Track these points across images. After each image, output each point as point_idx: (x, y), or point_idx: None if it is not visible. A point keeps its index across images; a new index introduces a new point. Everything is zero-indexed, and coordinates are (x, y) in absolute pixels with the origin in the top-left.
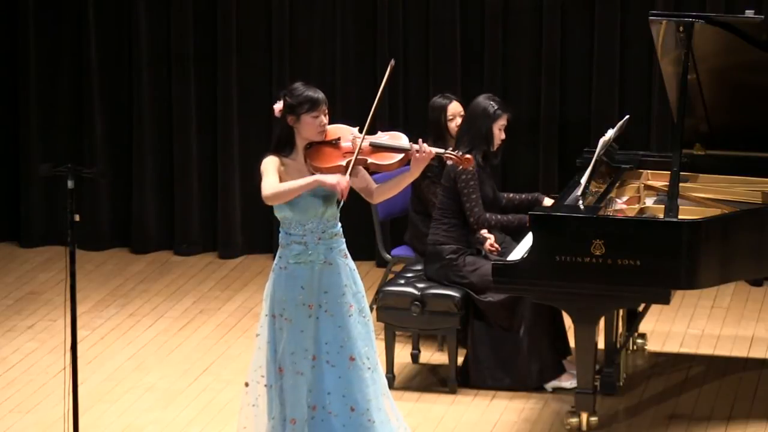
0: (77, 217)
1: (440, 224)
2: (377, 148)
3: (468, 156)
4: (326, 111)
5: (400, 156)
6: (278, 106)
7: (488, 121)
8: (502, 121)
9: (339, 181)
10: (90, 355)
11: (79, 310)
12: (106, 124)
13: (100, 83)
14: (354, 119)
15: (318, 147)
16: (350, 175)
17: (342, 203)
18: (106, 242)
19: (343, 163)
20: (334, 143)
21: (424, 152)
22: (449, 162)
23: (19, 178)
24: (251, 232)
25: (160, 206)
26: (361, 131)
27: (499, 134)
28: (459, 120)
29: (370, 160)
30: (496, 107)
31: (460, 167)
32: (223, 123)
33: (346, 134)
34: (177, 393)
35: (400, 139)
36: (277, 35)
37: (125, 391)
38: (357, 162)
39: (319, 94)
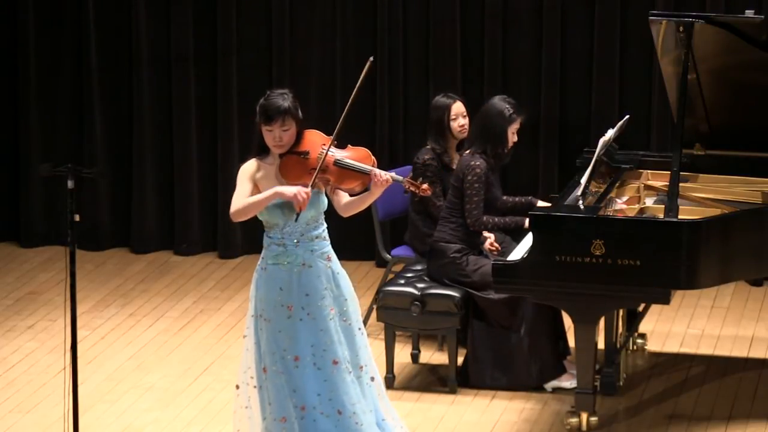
0: (77, 217)
1: (448, 222)
2: (342, 168)
3: (425, 186)
4: (287, 127)
5: (362, 180)
6: None
7: (503, 123)
8: (515, 125)
9: (298, 192)
10: (90, 355)
11: (79, 310)
12: (106, 124)
13: (100, 83)
14: (353, 119)
15: (288, 158)
16: (312, 187)
17: (299, 216)
18: (106, 242)
19: (309, 181)
20: (303, 157)
21: (381, 178)
22: (408, 191)
23: (19, 178)
24: (251, 232)
25: (160, 206)
26: (333, 140)
27: (512, 137)
28: (461, 120)
29: (332, 182)
30: (511, 111)
31: (418, 196)
32: (223, 123)
33: (317, 146)
34: (177, 393)
35: (366, 158)
36: (277, 35)
37: (125, 391)
38: (321, 180)
39: (281, 107)
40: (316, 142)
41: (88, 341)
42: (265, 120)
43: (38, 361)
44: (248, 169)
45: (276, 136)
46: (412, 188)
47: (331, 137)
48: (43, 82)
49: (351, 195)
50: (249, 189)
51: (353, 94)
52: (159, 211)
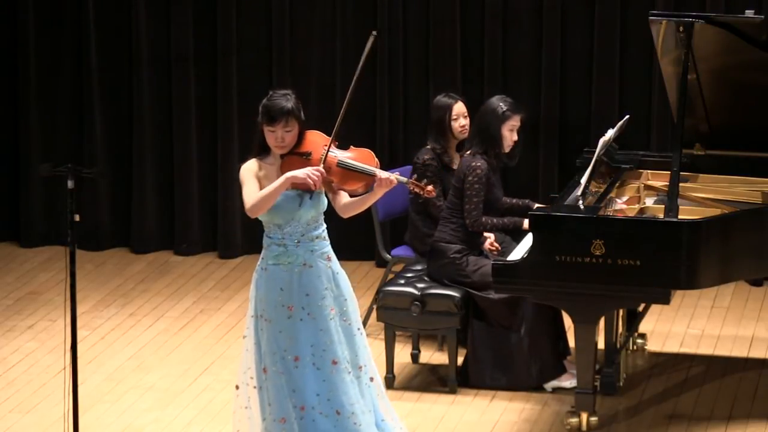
0: (77, 217)
1: (449, 223)
2: (345, 169)
3: (430, 188)
4: (289, 128)
5: (365, 181)
6: None
7: (497, 122)
8: (511, 123)
9: (309, 173)
10: (90, 355)
11: (79, 310)
12: (106, 124)
13: (100, 83)
14: (353, 119)
15: (290, 159)
16: (322, 163)
17: (312, 195)
18: (106, 242)
19: None
20: (306, 158)
21: (386, 180)
22: (412, 192)
23: (19, 178)
24: (251, 232)
25: (160, 206)
26: (334, 141)
27: (509, 135)
28: (462, 120)
29: (335, 183)
30: (504, 108)
31: (423, 197)
32: (223, 123)
33: (319, 147)
34: (177, 393)
35: (370, 159)
36: (277, 35)
37: (125, 391)
38: (324, 181)
39: (284, 108)
40: (318, 142)
41: (88, 341)
42: (267, 120)
43: (38, 361)
44: (251, 168)
45: (278, 136)
46: (416, 189)
47: (332, 138)
48: (43, 82)
49: (351, 196)
50: (257, 185)
51: (357, 71)
52: (159, 211)
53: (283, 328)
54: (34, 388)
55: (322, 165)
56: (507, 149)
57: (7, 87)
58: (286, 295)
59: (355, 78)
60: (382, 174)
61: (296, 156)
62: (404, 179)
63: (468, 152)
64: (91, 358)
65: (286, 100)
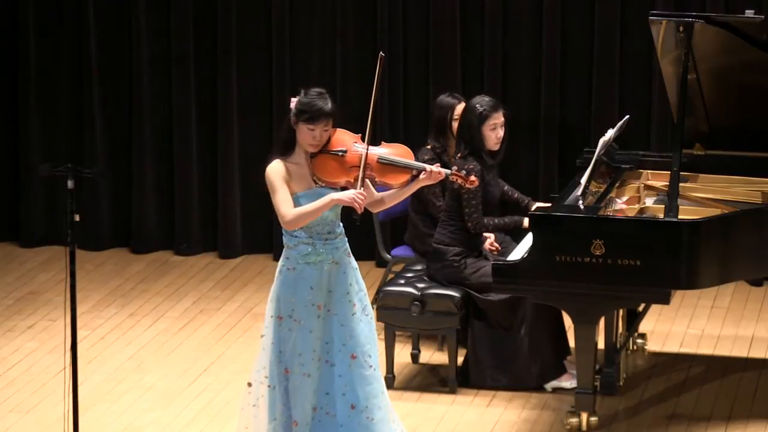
0: (77, 217)
1: (447, 225)
2: (386, 165)
3: (473, 177)
4: (327, 127)
5: (408, 176)
6: (294, 100)
7: (476, 122)
8: (492, 121)
9: (354, 197)
10: (90, 355)
11: (79, 310)
12: (106, 124)
13: (100, 83)
14: (354, 119)
15: (323, 158)
16: (361, 185)
17: (360, 216)
18: (106, 242)
19: (351, 179)
20: (341, 155)
21: (436, 173)
22: (455, 184)
23: (19, 178)
24: (251, 232)
25: (160, 206)
26: (363, 138)
27: (492, 134)
28: None
29: (377, 179)
30: (481, 108)
31: (465, 186)
32: (223, 123)
33: (351, 144)
34: (177, 393)
35: (408, 154)
36: (277, 35)
37: (125, 391)
38: (365, 177)
39: (325, 108)
40: (347, 140)
41: (88, 341)
42: (307, 119)
43: (38, 361)
44: (279, 170)
45: (317, 135)
46: (459, 181)
47: (361, 135)
48: (43, 82)
49: (378, 190)
50: (288, 192)
51: (374, 91)
52: (159, 211)
53: (314, 328)
54: (34, 388)
55: (360, 186)
56: (494, 147)
57: (7, 87)
58: (315, 293)
59: (372, 101)
60: (433, 167)
61: (330, 155)
62: (448, 171)
63: (458, 155)
64: (91, 358)
65: (325, 100)
